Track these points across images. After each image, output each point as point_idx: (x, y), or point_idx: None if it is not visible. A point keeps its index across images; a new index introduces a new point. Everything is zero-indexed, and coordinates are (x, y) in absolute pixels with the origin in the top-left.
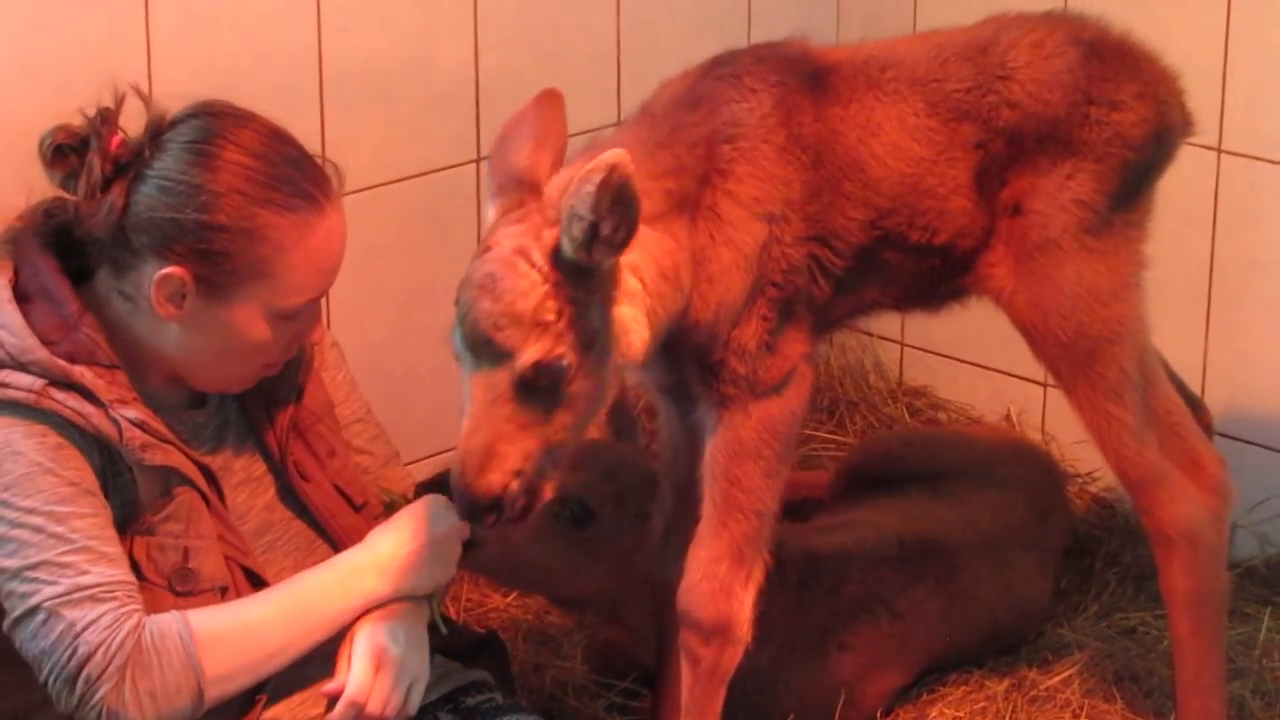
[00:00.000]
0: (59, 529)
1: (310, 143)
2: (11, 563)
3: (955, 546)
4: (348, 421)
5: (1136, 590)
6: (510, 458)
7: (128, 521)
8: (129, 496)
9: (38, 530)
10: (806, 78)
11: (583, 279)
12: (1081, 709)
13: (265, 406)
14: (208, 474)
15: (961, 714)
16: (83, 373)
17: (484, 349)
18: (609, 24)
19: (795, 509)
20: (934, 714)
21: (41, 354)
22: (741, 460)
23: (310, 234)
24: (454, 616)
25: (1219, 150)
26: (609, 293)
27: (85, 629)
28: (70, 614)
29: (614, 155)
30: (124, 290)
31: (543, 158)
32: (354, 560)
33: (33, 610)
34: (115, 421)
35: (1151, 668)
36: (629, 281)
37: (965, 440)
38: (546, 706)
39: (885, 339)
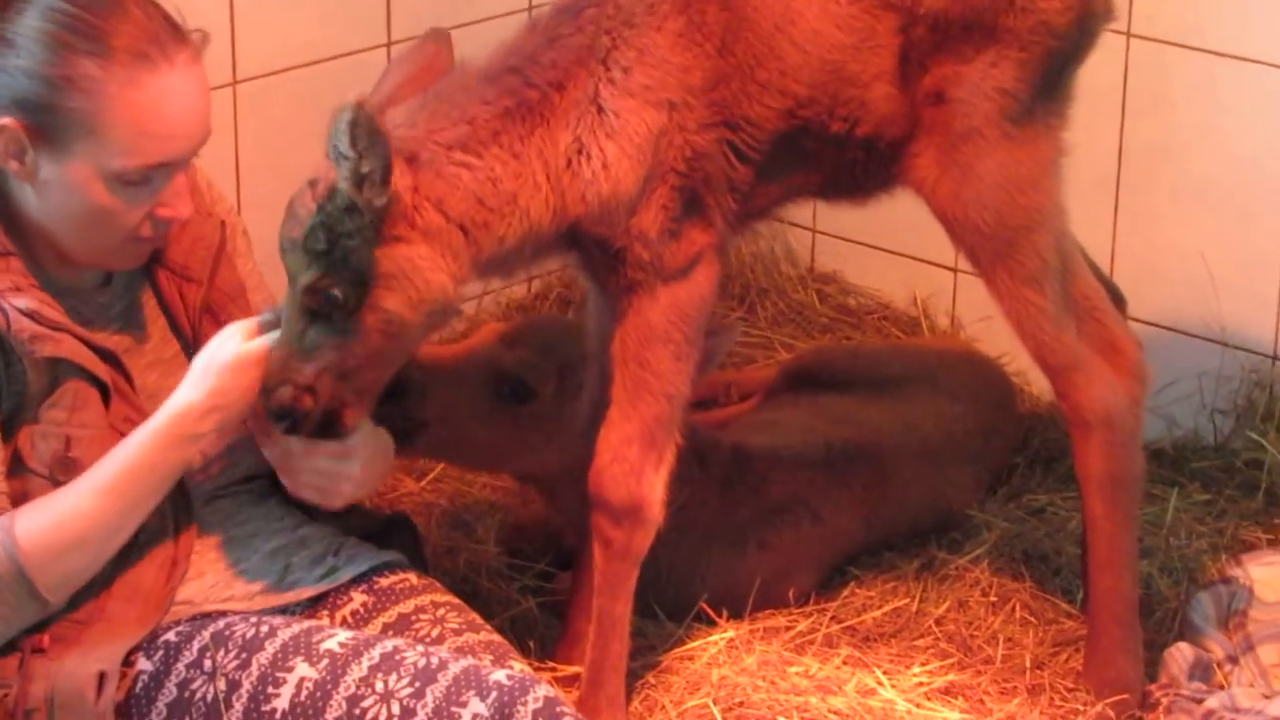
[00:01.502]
0: None
1: (219, 25)
2: None
3: (888, 452)
4: (257, 308)
5: (1045, 472)
6: (301, 374)
7: (20, 411)
8: (20, 386)
9: None
10: None
11: (357, 215)
12: (991, 587)
13: (177, 287)
14: (110, 358)
15: (873, 594)
16: None
17: (285, 267)
18: None
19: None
20: (845, 594)
21: None
22: (650, 344)
23: (137, 91)
24: (366, 500)
25: (1128, 35)
26: (392, 230)
27: None
28: None
29: (355, 95)
30: None
31: (406, 94)
32: (155, 419)
33: None
34: (4, 311)
35: (1059, 547)
36: (425, 218)
37: (918, 352)
38: (460, 589)
39: (796, 225)
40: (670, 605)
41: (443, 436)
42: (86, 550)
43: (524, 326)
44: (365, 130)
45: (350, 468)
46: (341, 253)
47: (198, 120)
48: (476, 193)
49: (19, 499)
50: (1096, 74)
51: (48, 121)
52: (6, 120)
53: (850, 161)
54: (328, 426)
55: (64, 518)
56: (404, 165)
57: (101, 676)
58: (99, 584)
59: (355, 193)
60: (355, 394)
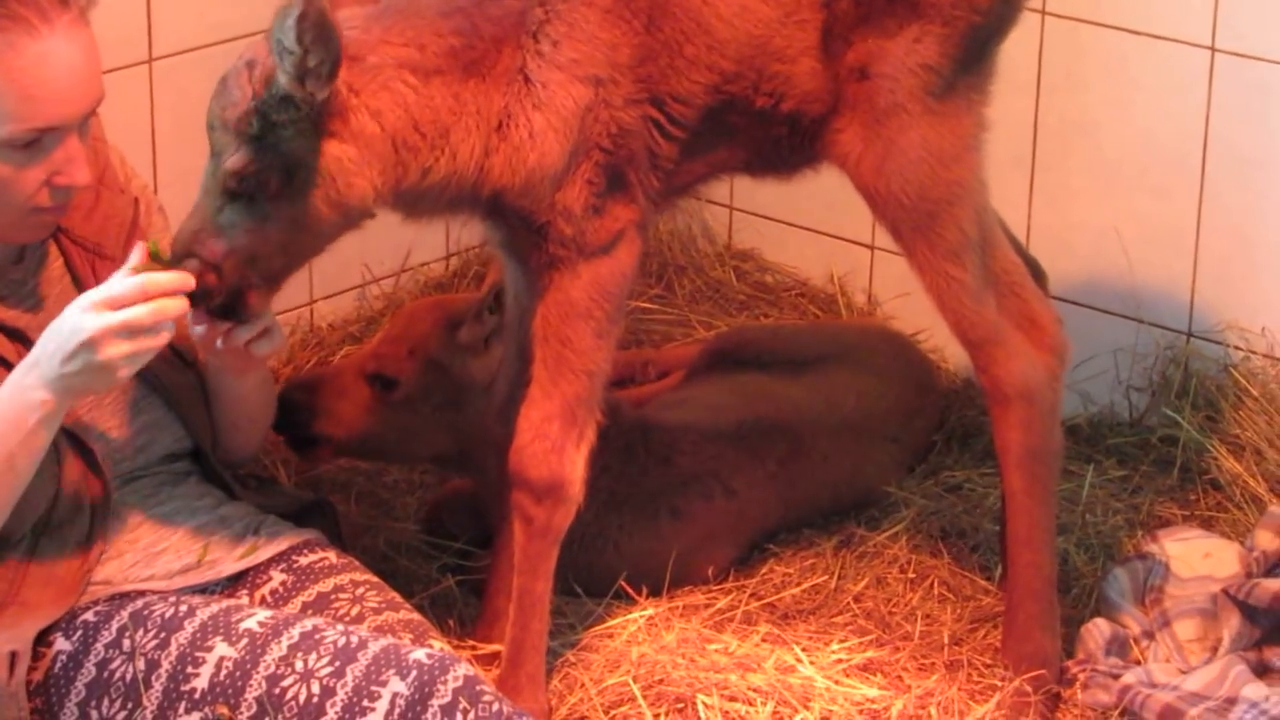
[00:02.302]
0: None
1: (134, 1)
2: None
3: (805, 429)
4: None
5: (962, 449)
6: (209, 251)
7: None
8: None
9: None
10: None
11: (293, 106)
12: (909, 564)
13: (90, 264)
14: (19, 336)
15: (791, 571)
16: None
17: (210, 143)
18: None
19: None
20: (764, 570)
21: None
22: (572, 320)
23: (15, 55)
24: (284, 479)
25: (1044, 12)
26: (325, 126)
27: None
28: None
29: None
30: None
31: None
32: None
33: None
34: None
35: (977, 523)
36: (360, 122)
37: (838, 332)
38: (380, 567)
39: (714, 203)
40: (585, 575)
41: (344, 443)
42: None
43: (391, 319)
44: (314, 24)
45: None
46: (273, 140)
47: (84, 83)
48: (415, 115)
49: None
50: (1012, 51)
51: None
52: None
53: (775, 137)
54: (231, 308)
55: None
56: (348, 64)
57: (13, 656)
58: (13, 569)
59: (295, 86)
60: (263, 278)
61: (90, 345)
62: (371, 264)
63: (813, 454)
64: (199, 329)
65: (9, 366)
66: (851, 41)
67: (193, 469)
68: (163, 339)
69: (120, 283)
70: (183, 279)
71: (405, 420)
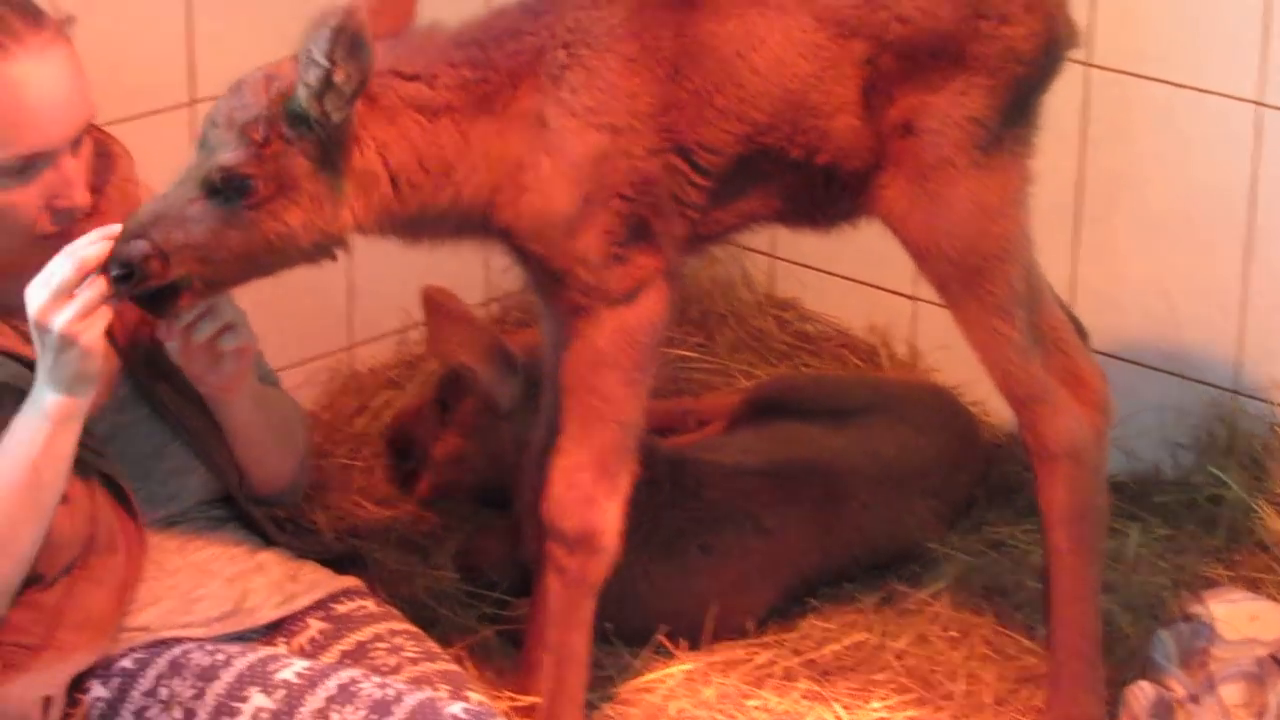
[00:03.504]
0: None
1: (176, 45)
2: None
3: (844, 474)
4: None
5: (1004, 504)
6: (165, 238)
7: None
8: None
9: None
10: None
11: (305, 125)
12: (952, 622)
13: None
14: None
15: (832, 626)
16: None
17: (203, 137)
18: None
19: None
20: (804, 626)
21: None
22: (599, 369)
23: None
24: (324, 526)
25: (1089, 65)
26: (333, 154)
27: None
28: None
29: (350, 3)
30: None
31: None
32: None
33: None
34: None
35: (1020, 581)
36: (363, 156)
37: (882, 384)
38: (418, 616)
39: (755, 252)
40: (614, 609)
41: (430, 472)
42: (2, 550)
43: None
44: (349, 40)
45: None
46: (274, 154)
47: (66, 104)
48: (420, 152)
49: None
50: (1057, 104)
51: None
52: None
53: (810, 188)
54: (158, 300)
55: None
56: (360, 96)
57: (48, 701)
58: (48, 612)
59: (314, 104)
60: (204, 283)
61: (41, 326)
62: (411, 308)
63: (851, 501)
64: (171, 345)
65: None
66: (894, 97)
67: (229, 515)
68: (100, 291)
69: (56, 269)
70: (102, 231)
71: (463, 446)
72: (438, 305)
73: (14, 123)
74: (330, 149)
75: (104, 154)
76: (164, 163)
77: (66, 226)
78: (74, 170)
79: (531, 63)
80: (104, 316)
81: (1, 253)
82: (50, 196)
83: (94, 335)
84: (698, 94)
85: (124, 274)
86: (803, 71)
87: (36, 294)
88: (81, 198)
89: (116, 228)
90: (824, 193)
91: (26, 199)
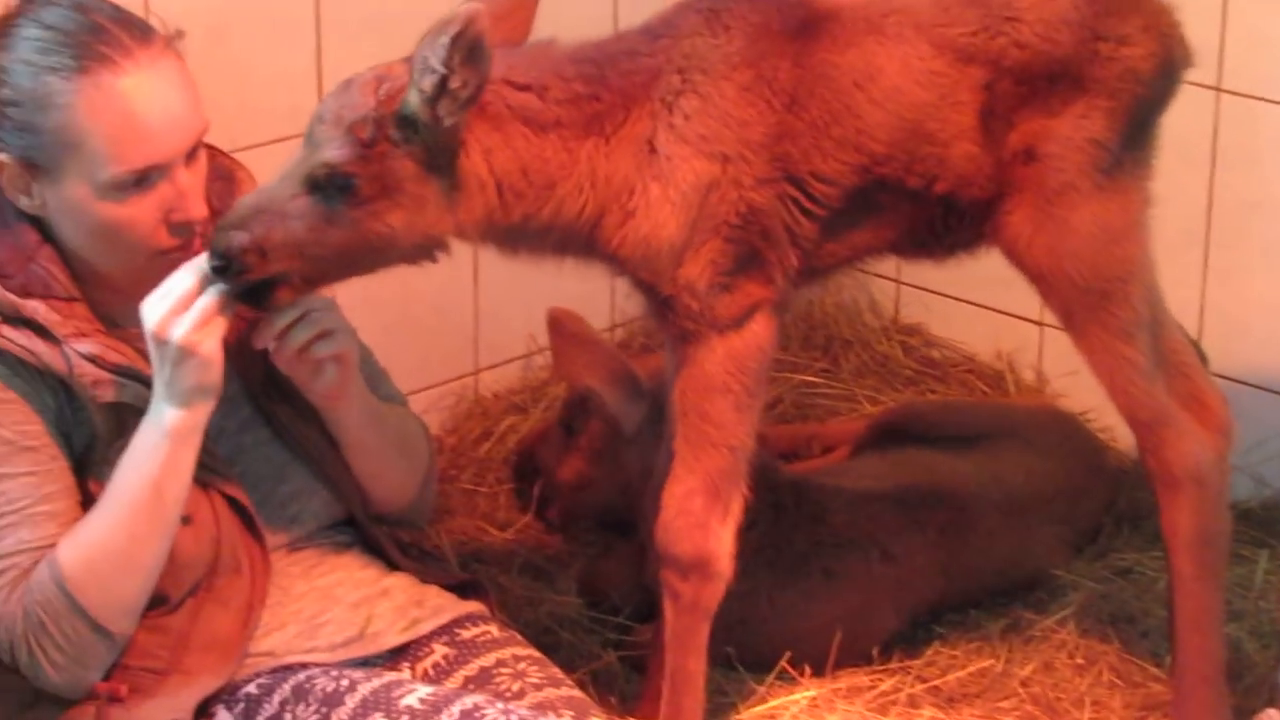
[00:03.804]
0: None
1: (306, 72)
2: None
3: (970, 500)
4: None
5: (1131, 531)
6: (265, 232)
7: (89, 454)
8: (90, 429)
9: None
10: (795, 22)
11: (413, 128)
12: (1078, 649)
13: (234, 324)
14: None
15: (957, 653)
16: (36, 307)
17: (309, 133)
18: None
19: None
20: (929, 652)
21: None
22: (710, 395)
23: (102, 95)
24: (447, 551)
25: (1218, 89)
26: (439, 158)
27: None
28: None
29: (470, 9)
30: None
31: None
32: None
33: None
34: (67, 357)
35: (1147, 608)
36: (470, 161)
37: (1007, 410)
38: (541, 641)
39: (881, 277)
40: (738, 632)
41: (561, 497)
42: (125, 567)
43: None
44: (468, 46)
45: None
46: (380, 154)
47: (178, 117)
48: (524, 162)
49: None
50: (1186, 128)
51: (35, 148)
52: (3, 157)
53: (927, 218)
54: (256, 294)
55: (98, 542)
56: None
57: None
58: (174, 636)
59: (425, 109)
60: (302, 278)
61: (159, 338)
62: (537, 333)
63: (977, 527)
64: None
65: None
66: (1014, 123)
67: (355, 540)
68: (215, 300)
69: (176, 281)
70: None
71: (588, 470)
72: (564, 328)
73: (126, 137)
74: (437, 153)
75: (228, 177)
76: None
77: (185, 240)
78: (189, 183)
79: (645, 85)
80: (220, 326)
81: (122, 270)
82: (166, 210)
83: (212, 345)
84: (814, 124)
85: (222, 265)
86: (920, 100)
87: (154, 307)
88: (197, 210)
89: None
90: (942, 222)
91: (143, 213)
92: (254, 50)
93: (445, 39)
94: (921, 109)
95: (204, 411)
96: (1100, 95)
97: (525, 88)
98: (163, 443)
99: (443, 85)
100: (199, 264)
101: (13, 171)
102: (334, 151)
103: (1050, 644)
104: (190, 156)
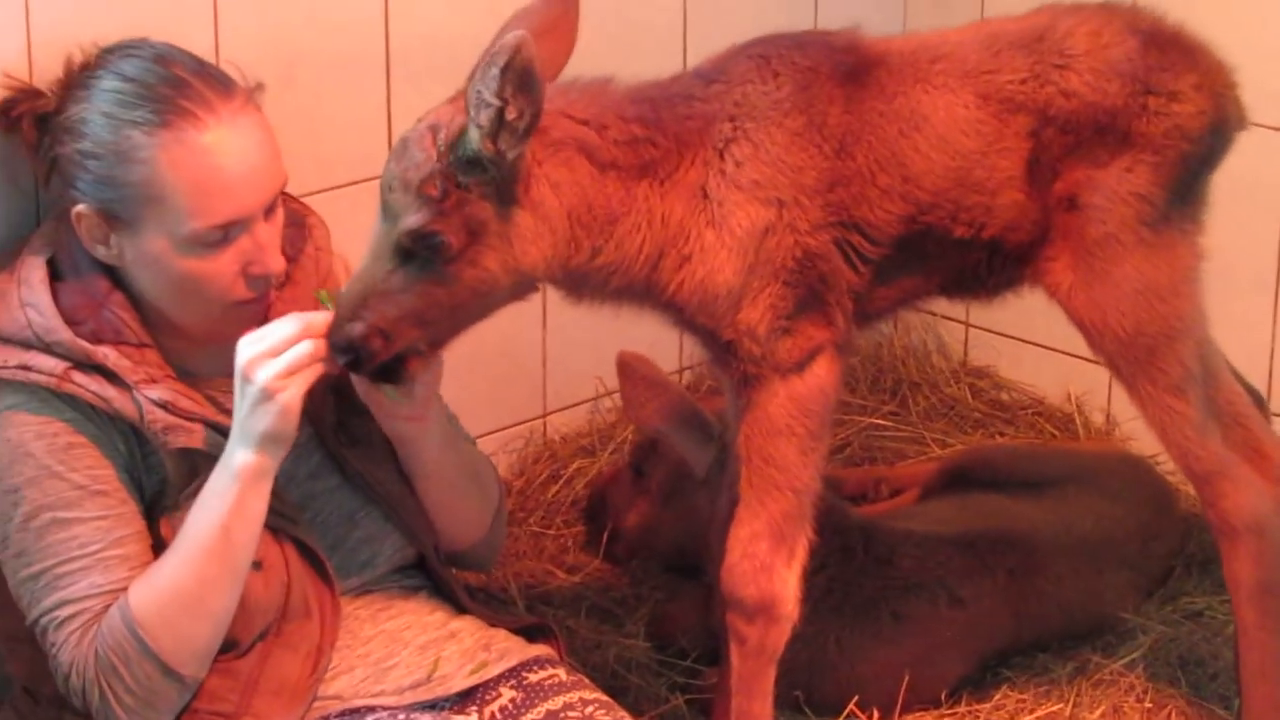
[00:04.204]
0: (60, 536)
1: (375, 116)
2: (18, 564)
3: (1040, 546)
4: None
5: (1202, 575)
6: (379, 314)
7: (160, 498)
8: (161, 474)
9: (41, 536)
10: (845, 68)
11: (480, 169)
12: (1146, 693)
13: None
14: None
15: (1026, 697)
16: (106, 354)
17: (383, 205)
18: (676, 1)
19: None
20: (998, 696)
21: (65, 335)
22: (774, 438)
23: (186, 151)
24: (515, 594)
25: None
26: (510, 191)
27: (59, 650)
28: (52, 635)
29: (516, 37)
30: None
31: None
32: (220, 478)
33: (35, 621)
34: (138, 403)
35: (1217, 652)
36: (540, 192)
37: (1077, 454)
38: (609, 684)
39: (949, 319)
40: (805, 676)
41: (629, 538)
42: (196, 611)
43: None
44: (520, 74)
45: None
46: (456, 203)
47: (259, 171)
48: (588, 195)
49: None
50: (1256, 173)
51: (115, 200)
52: (82, 207)
53: (974, 262)
54: (391, 372)
55: (169, 586)
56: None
57: None
58: (244, 680)
59: (487, 145)
60: (428, 344)
61: (246, 376)
62: (605, 377)
63: (1046, 572)
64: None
65: None
66: (1060, 171)
67: (423, 583)
68: (307, 352)
69: (277, 327)
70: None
71: (657, 513)
72: (634, 372)
73: (210, 191)
74: (507, 186)
75: (299, 224)
76: (361, 233)
77: (261, 293)
78: (268, 236)
79: (700, 131)
80: (306, 379)
81: (197, 320)
82: (245, 263)
83: (293, 395)
84: (861, 172)
85: (352, 359)
86: (966, 148)
87: (249, 346)
88: (276, 264)
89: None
90: (987, 265)
91: (222, 266)
92: (323, 94)
93: (496, 70)
94: (967, 157)
95: (274, 459)
96: (1146, 150)
97: (584, 122)
98: (232, 485)
99: (500, 117)
100: (305, 316)
101: (91, 222)
102: (412, 217)
103: (1119, 688)
104: (269, 210)
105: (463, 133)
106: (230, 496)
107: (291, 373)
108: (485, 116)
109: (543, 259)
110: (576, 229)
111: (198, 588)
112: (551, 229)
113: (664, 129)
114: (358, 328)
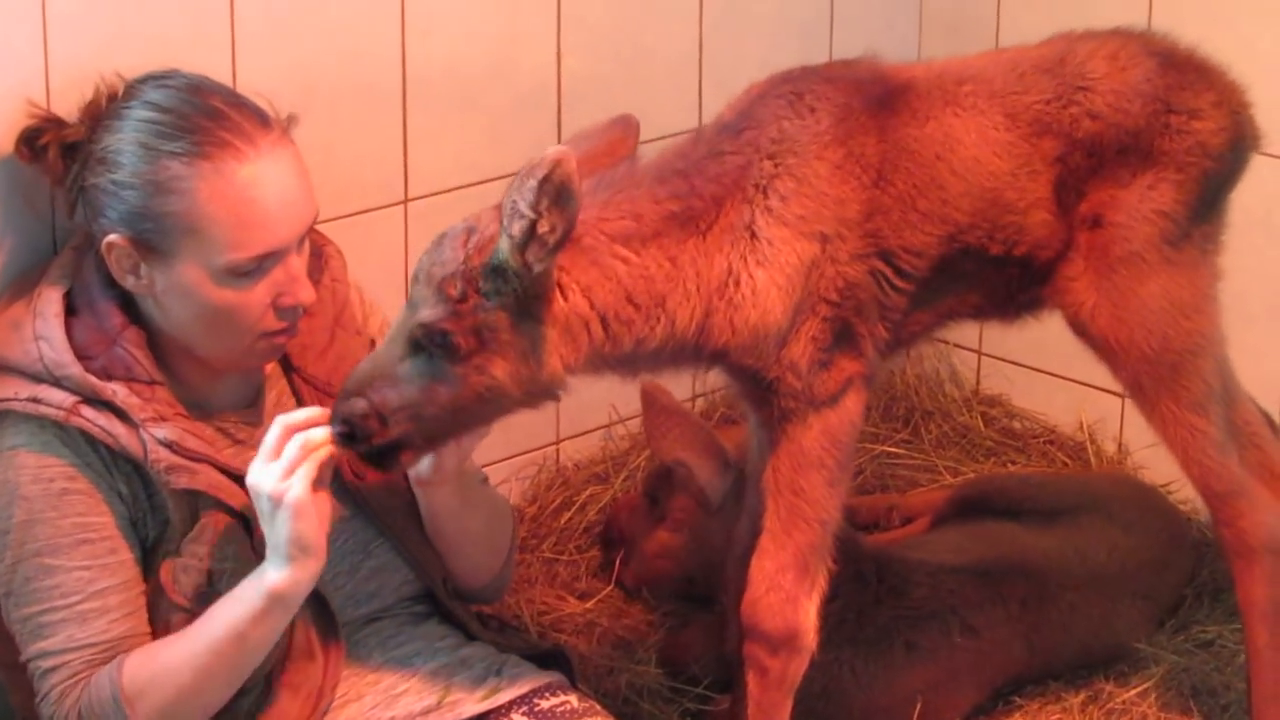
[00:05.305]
0: (44, 584)
1: (392, 145)
2: (8, 604)
3: (1053, 575)
4: None
5: (1213, 604)
6: (381, 399)
7: (163, 541)
8: (165, 516)
9: (27, 581)
10: (875, 98)
11: (503, 278)
12: None
13: (321, 402)
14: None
15: None
16: (115, 390)
17: (410, 290)
18: (691, 29)
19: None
20: None
21: (75, 370)
22: (805, 471)
23: (225, 183)
24: (527, 621)
25: None
26: (530, 305)
27: (42, 702)
28: (37, 684)
29: (557, 152)
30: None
31: (584, 171)
32: (250, 593)
33: (26, 661)
34: (143, 441)
35: (1228, 682)
36: (570, 302)
37: (1089, 483)
38: (621, 711)
39: (962, 347)
40: (818, 706)
41: (641, 567)
42: (188, 701)
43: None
44: (556, 189)
45: None
46: (473, 308)
47: (296, 202)
48: (628, 288)
49: (161, 633)
50: (1269, 198)
51: (150, 230)
52: (114, 237)
53: (1007, 279)
54: (383, 458)
55: (167, 670)
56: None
57: None
58: (245, 716)
59: (515, 256)
60: (423, 439)
61: (254, 491)
62: (618, 404)
63: (1059, 601)
64: None
65: (246, 519)
66: (1084, 193)
67: (431, 611)
68: (301, 445)
69: (269, 434)
70: (317, 414)
71: (672, 541)
72: (656, 402)
73: (249, 223)
74: (529, 300)
75: (316, 254)
76: (377, 261)
77: (290, 324)
78: (299, 268)
79: (737, 180)
80: (307, 474)
81: (223, 350)
82: (277, 294)
83: (298, 493)
84: (901, 198)
85: (346, 432)
86: (998, 169)
87: (252, 464)
88: (306, 294)
89: (325, 411)
90: (1018, 282)
91: (257, 297)
92: (340, 123)
93: (534, 182)
94: (999, 178)
95: (306, 573)
96: (1169, 168)
97: (621, 218)
98: (259, 599)
99: (532, 230)
100: (284, 418)
101: (122, 252)
102: (427, 311)
103: (1131, 716)
104: (300, 241)
105: (494, 240)
106: (255, 606)
107: (289, 472)
108: (518, 228)
109: (565, 368)
110: (615, 327)
111: (196, 681)
112: (583, 336)
113: (699, 194)
114: (360, 404)
